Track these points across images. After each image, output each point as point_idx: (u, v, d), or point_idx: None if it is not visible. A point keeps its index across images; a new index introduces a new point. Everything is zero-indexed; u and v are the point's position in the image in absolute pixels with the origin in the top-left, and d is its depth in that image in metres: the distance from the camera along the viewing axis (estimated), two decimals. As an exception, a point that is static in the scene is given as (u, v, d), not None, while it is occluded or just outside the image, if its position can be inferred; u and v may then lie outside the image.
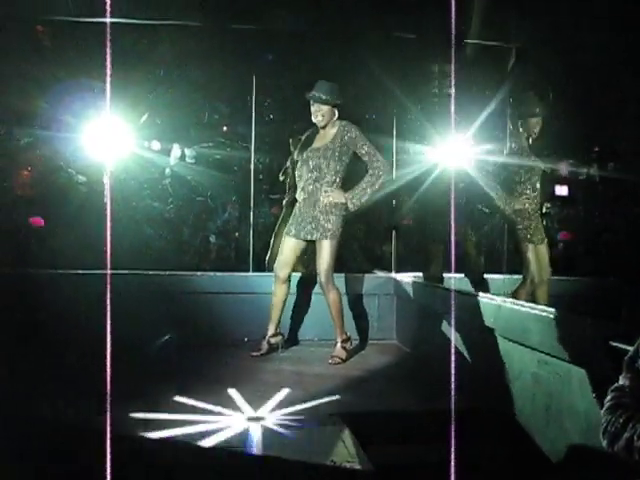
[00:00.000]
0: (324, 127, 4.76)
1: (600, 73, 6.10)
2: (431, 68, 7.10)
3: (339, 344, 4.77)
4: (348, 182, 4.80)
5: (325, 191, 4.69)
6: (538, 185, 5.17)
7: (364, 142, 4.69)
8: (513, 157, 5.19)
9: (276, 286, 4.87)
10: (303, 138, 4.91)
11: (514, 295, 5.01)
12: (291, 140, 5.39)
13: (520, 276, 5.21)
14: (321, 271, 4.70)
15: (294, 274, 5.12)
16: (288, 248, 4.83)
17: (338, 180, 4.74)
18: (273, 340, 4.93)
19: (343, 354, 4.75)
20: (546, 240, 5.23)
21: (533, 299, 5.01)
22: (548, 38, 5.79)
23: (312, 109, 4.74)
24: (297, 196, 4.88)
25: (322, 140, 4.78)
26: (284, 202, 5.70)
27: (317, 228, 4.70)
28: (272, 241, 5.74)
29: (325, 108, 4.70)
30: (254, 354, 4.83)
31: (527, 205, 5.13)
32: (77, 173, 7.11)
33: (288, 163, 5.42)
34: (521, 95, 5.52)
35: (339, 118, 4.76)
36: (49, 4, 5.63)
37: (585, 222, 8.47)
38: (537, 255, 5.13)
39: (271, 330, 4.90)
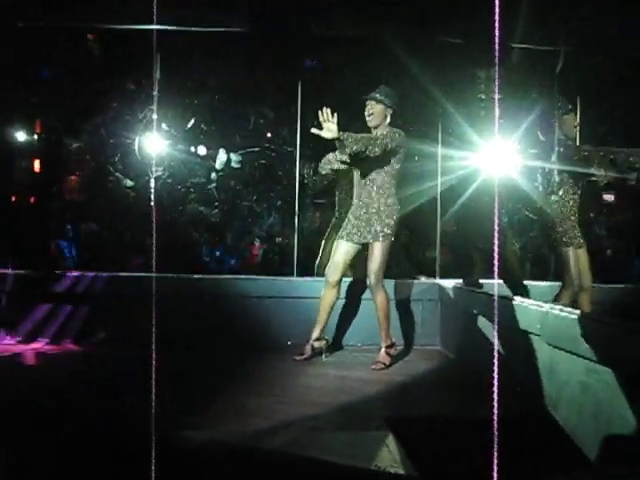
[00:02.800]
0: (375, 128, 4.77)
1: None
2: (477, 73, 7.05)
3: (383, 349, 4.77)
4: (400, 184, 4.85)
5: (372, 210, 4.70)
6: (578, 188, 5.10)
7: (391, 139, 4.61)
8: (557, 160, 5.11)
9: (326, 290, 4.88)
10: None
11: (556, 301, 4.95)
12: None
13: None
14: (371, 272, 4.71)
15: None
16: (341, 252, 4.85)
17: (390, 182, 4.76)
18: (317, 344, 4.93)
19: (387, 360, 4.74)
20: (585, 245, 5.12)
21: (575, 305, 4.94)
22: (596, 40, 5.70)
23: (366, 108, 4.79)
24: (353, 202, 4.90)
25: None
26: (336, 207, 5.71)
27: (370, 231, 4.72)
28: (322, 246, 5.76)
29: (377, 107, 4.74)
30: (297, 358, 4.85)
31: (566, 208, 5.06)
32: (125, 178, 7.24)
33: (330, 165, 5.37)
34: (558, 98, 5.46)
35: (391, 124, 4.79)
36: (99, 13, 5.75)
37: (634, 229, 8.30)
38: (577, 260, 5.05)
39: (316, 334, 4.91)
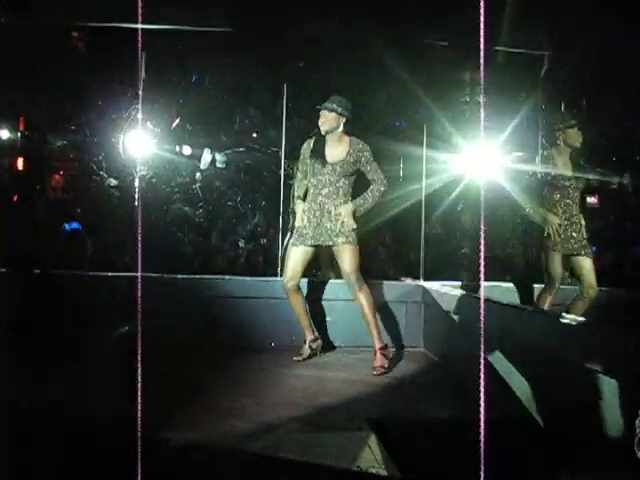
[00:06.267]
0: (330, 134, 4.81)
1: (634, 79, 6.03)
2: (461, 76, 7.07)
3: (379, 352, 4.69)
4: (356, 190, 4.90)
5: (336, 215, 4.76)
6: (577, 197, 5.16)
7: (372, 161, 4.80)
8: (553, 168, 5.14)
9: (291, 298, 4.90)
10: (311, 147, 4.91)
11: (537, 302, 5.01)
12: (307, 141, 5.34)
13: (573, 287, 5.19)
14: (348, 272, 4.72)
15: (322, 281, 5.18)
16: (294, 259, 4.86)
17: (349, 193, 4.84)
18: (314, 345, 5.00)
19: (385, 362, 4.67)
20: (588, 254, 5.11)
21: (568, 309, 4.96)
22: (580, 44, 5.74)
23: (320, 119, 4.84)
24: (307, 207, 4.88)
25: (333, 155, 4.80)
26: (290, 211, 5.69)
27: (332, 236, 4.75)
28: (282, 252, 5.74)
29: (329, 115, 4.79)
30: (296, 358, 4.88)
31: (563, 216, 5.09)
32: (109, 177, 7.20)
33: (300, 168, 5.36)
34: (554, 112, 5.50)
35: (347, 133, 4.82)
36: (83, 10, 5.71)
37: (616, 233, 8.34)
38: (578, 268, 5.06)
39: (310, 335, 4.98)
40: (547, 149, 5.28)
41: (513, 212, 6.86)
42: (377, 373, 4.59)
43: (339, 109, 4.80)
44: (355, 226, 4.77)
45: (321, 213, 4.80)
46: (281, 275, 5.70)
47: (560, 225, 5.08)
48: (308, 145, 4.95)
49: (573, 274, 5.26)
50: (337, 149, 4.81)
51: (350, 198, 4.83)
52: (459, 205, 5.99)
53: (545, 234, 5.11)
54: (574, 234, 5.12)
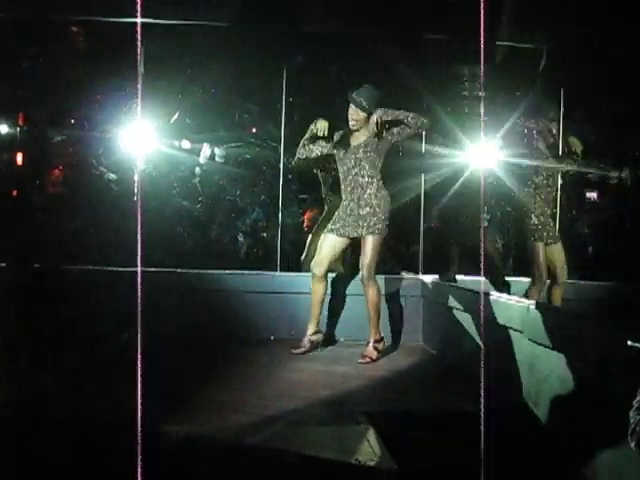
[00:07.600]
0: (357, 131, 4.79)
1: (634, 74, 6.03)
2: (461, 70, 7.06)
3: (371, 344, 4.77)
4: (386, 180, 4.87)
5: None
6: (551, 185, 5.24)
7: (388, 113, 4.65)
8: (528, 158, 5.20)
9: (314, 284, 4.88)
10: (338, 137, 4.89)
11: (526, 296, 5.03)
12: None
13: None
14: (364, 266, 4.71)
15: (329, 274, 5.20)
16: (328, 246, 4.84)
17: (380, 174, 4.77)
18: (314, 338, 4.96)
19: (374, 354, 4.74)
20: (559, 241, 5.21)
21: (548, 300, 5.03)
22: (580, 39, 5.73)
23: (349, 110, 4.74)
24: (341, 194, 4.90)
25: (358, 137, 4.78)
26: (325, 203, 5.70)
27: (362, 225, 4.71)
28: (309, 241, 5.74)
29: (361, 115, 4.70)
30: (295, 351, 4.86)
31: (538, 204, 5.13)
32: (108, 171, 7.20)
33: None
34: (538, 101, 5.53)
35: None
36: (82, 5, 5.71)
37: (616, 227, 8.35)
38: (551, 255, 5.13)
39: (312, 328, 4.94)
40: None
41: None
42: (362, 362, 4.66)
43: (372, 108, 4.66)
44: (382, 216, 4.71)
45: (353, 199, 4.75)
46: (282, 270, 5.74)
47: (544, 215, 5.14)
48: (337, 136, 4.89)
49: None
50: (361, 131, 4.76)
51: (382, 184, 4.76)
52: (450, 199, 5.99)
53: (532, 222, 5.12)
54: (551, 223, 5.23)
